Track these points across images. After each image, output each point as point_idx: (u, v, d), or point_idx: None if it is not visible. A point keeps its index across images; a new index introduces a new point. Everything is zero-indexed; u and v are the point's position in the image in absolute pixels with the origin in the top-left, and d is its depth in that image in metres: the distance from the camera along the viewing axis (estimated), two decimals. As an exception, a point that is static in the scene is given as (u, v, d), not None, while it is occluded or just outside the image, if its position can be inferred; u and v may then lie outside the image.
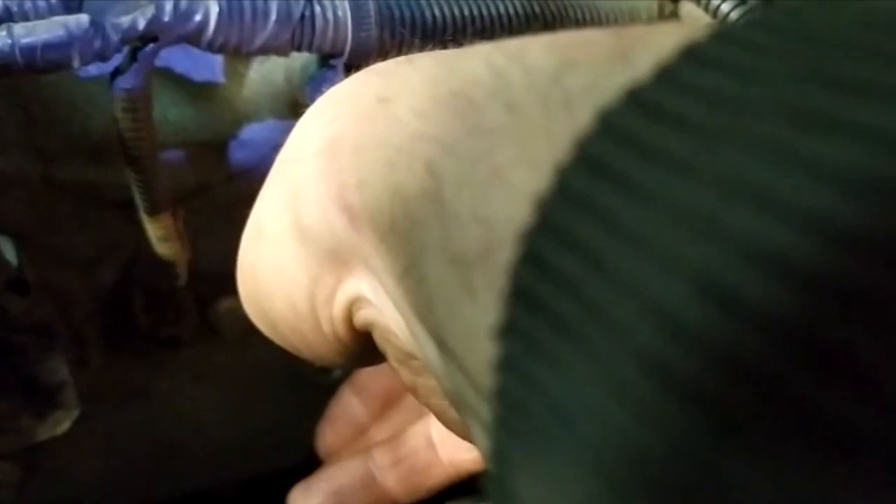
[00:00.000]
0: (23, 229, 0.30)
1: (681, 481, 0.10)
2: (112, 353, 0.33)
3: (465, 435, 0.19)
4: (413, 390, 0.20)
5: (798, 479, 0.09)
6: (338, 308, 0.19)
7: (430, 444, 0.30)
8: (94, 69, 0.28)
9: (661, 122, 0.12)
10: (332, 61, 0.28)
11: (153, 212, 0.29)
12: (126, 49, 0.25)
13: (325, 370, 0.35)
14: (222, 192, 0.32)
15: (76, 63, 0.24)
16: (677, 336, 0.10)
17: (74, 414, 0.30)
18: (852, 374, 0.09)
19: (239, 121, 0.31)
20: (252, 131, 0.31)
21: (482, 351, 0.13)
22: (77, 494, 0.35)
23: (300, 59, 0.30)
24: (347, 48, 0.27)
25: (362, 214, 0.17)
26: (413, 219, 0.15)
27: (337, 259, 0.18)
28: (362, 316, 0.19)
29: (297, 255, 0.19)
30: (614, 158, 0.12)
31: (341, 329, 0.19)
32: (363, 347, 0.20)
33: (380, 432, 0.31)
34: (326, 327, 0.19)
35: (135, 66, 0.25)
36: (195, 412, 0.36)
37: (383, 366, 0.33)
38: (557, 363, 0.12)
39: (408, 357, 0.18)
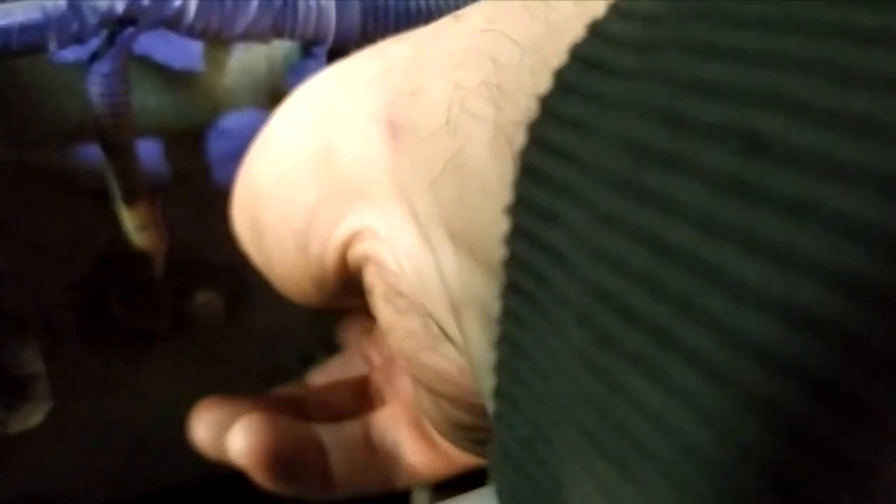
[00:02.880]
0: (-4, 217, 0.29)
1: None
2: (86, 344, 0.32)
3: (431, 382, 0.20)
4: (389, 331, 0.20)
5: None
6: (338, 234, 0.19)
7: (368, 442, 0.29)
8: (70, 54, 0.27)
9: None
10: (315, 50, 0.27)
11: (130, 200, 0.28)
12: (104, 33, 0.24)
13: (304, 363, 0.35)
14: (200, 183, 0.32)
15: (53, 46, 0.24)
16: (760, 357, 0.10)
17: (47, 406, 0.30)
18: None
19: (219, 110, 0.30)
20: (231, 120, 0.31)
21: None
22: (49, 489, 0.34)
23: (282, 48, 0.30)
24: (331, 36, 0.27)
25: (407, 124, 0.17)
26: (470, 111, 0.16)
27: (355, 189, 0.19)
28: (360, 250, 0.19)
29: (311, 173, 0.19)
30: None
31: (332, 256, 0.20)
32: (340, 284, 0.21)
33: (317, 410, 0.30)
34: (315, 248, 0.20)
35: (112, 50, 0.25)
36: (171, 406, 0.35)
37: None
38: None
39: (396, 295, 0.19)
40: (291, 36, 0.27)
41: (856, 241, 0.09)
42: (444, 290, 0.17)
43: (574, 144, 0.13)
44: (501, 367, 0.14)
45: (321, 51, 0.27)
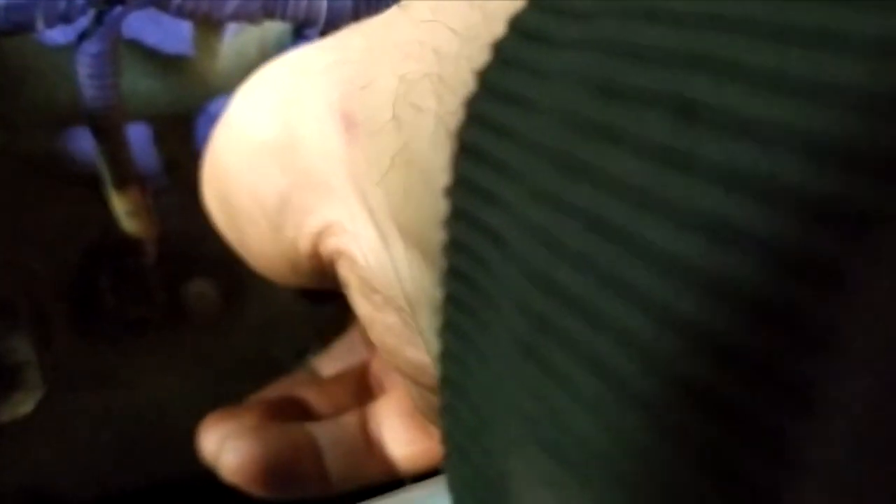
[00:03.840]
0: (-15, 203, 0.29)
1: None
2: (77, 334, 0.32)
3: (413, 374, 0.19)
4: (370, 327, 0.19)
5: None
6: (311, 224, 0.19)
7: (365, 434, 0.29)
8: (60, 37, 0.27)
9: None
10: (307, 32, 0.27)
11: (120, 186, 0.28)
12: (91, 12, 0.24)
13: (298, 356, 0.35)
14: (191, 170, 0.32)
15: (40, 25, 0.24)
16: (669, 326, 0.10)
17: (38, 395, 0.29)
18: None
19: (211, 95, 0.30)
20: (220, 106, 0.30)
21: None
22: (38, 481, 0.34)
23: (274, 33, 0.29)
24: (322, 18, 0.26)
25: (359, 118, 0.17)
26: (414, 105, 0.16)
27: (320, 182, 0.18)
28: (332, 243, 0.19)
29: (279, 159, 0.19)
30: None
31: (305, 244, 0.20)
32: (315, 271, 0.20)
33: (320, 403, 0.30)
34: (289, 232, 0.20)
35: (101, 30, 0.24)
36: (162, 397, 0.35)
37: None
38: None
39: (371, 291, 0.18)
40: (282, 17, 0.26)
41: (786, 208, 0.09)
42: (400, 287, 0.17)
43: (512, 120, 0.12)
44: (446, 356, 0.14)
45: (313, 33, 0.27)
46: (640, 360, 0.10)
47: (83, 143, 0.29)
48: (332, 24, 0.27)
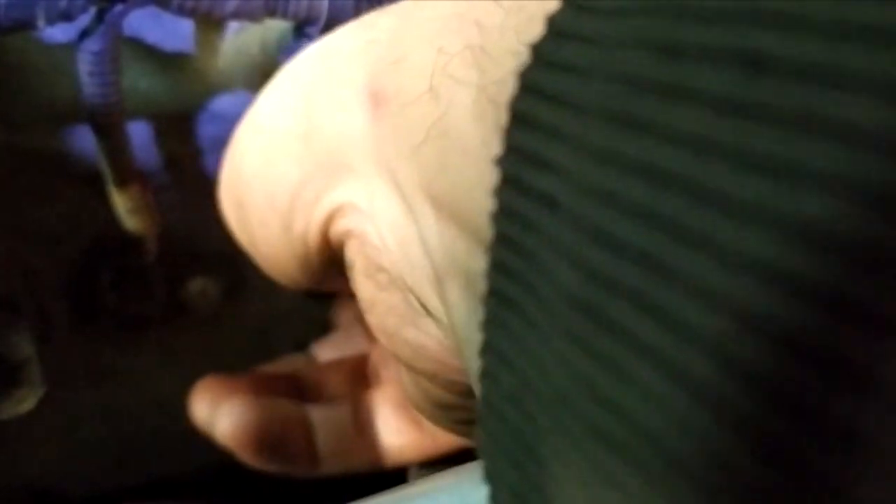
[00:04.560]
0: (-14, 201, 0.29)
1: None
2: (77, 330, 0.32)
3: (410, 358, 0.20)
4: (370, 308, 0.20)
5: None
6: (320, 211, 0.19)
7: (357, 420, 0.29)
8: (60, 35, 0.27)
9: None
10: (308, 29, 0.27)
11: (121, 183, 0.28)
12: (93, 9, 0.24)
13: (299, 351, 0.35)
14: (191, 168, 0.32)
15: (41, 22, 0.24)
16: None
17: (39, 392, 0.29)
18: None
19: (211, 93, 0.30)
20: (222, 103, 0.30)
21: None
22: (40, 477, 0.34)
23: (276, 31, 0.29)
24: (324, 15, 0.26)
25: (390, 93, 0.17)
26: (453, 76, 0.16)
27: (336, 164, 0.19)
28: (342, 225, 0.19)
29: (294, 152, 0.19)
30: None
31: (314, 233, 0.20)
32: (324, 263, 0.21)
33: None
34: (299, 227, 0.20)
35: (102, 27, 0.24)
36: (164, 394, 0.35)
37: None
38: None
39: (377, 270, 0.18)
40: (284, 15, 0.26)
41: (864, 149, 0.09)
42: (427, 260, 0.17)
43: (567, 88, 0.12)
44: (489, 323, 0.14)
45: (315, 31, 0.27)
46: (707, 305, 0.10)
47: (84, 141, 0.29)
48: (333, 22, 0.27)
